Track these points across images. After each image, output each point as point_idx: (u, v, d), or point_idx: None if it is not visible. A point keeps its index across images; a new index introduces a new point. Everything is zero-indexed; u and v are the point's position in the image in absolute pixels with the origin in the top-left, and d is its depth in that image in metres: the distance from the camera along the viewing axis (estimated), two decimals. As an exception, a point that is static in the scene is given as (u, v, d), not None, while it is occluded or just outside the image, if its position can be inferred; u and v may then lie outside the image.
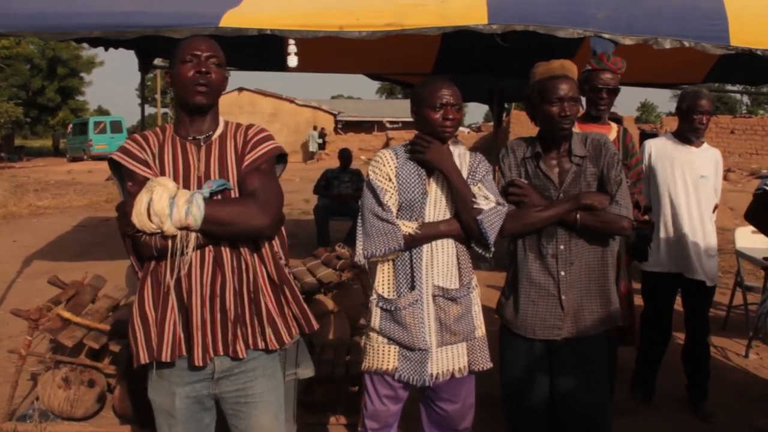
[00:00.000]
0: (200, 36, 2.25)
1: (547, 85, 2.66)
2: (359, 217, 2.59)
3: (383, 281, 2.58)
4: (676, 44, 3.79)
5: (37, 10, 4.11)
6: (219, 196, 2.10)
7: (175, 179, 2.11)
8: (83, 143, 30.86)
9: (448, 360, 2.56)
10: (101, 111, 62.82)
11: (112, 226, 11.15)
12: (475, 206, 2.49)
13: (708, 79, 7.30)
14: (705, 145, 4.03)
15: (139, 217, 1.97)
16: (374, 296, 2.60)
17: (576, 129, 3.20)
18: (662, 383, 4.26)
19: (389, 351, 2.57)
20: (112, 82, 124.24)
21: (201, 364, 2.11)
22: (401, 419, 2.75)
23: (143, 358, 2.12)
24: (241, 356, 2.15)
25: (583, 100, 3.44)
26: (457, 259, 2.58)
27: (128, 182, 2.10)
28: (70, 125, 34.36)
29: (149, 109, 47.96)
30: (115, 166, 2.17)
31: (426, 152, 2.52)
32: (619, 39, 3.77)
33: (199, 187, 2.09)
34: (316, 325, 2.34)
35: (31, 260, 7.97)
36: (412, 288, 2.53)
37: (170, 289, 2.09)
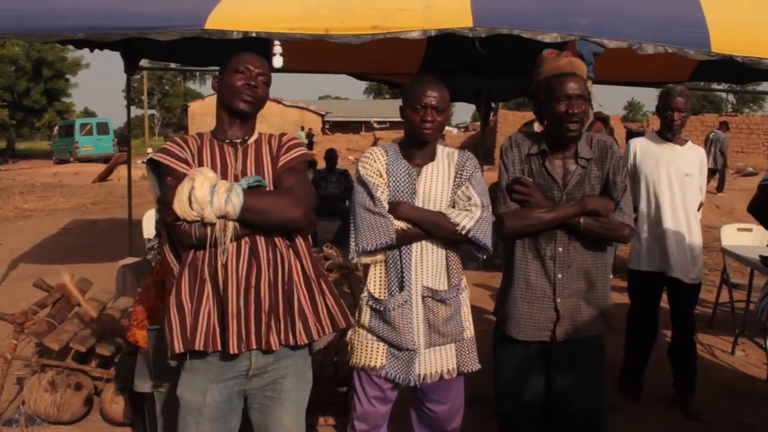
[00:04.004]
0: (254, 54, 2.36)
1: (554, 83, 2.63)
2: (351, 218, 2.57)
3: (375, 280, 2.58)
4: (659, 49, 3.81)
5: (20, 12, 4.07)
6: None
7: None
8: (69, 145, 30.61)
9: (436, 361, 2.56)
10: (87, 113, 62.54)
11: (98, 229, 11.11)
12: (456, 227, 2.46)
13: (693, 77, 7.34)
14: (689, 143, 4.06)
15: (180, 204, 2.04)
16: (365, 293, 2.60)
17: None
18: (650, 381, 4.29)
19: (377, 348, 2.57)
20: (98, 84, 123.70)
21: (236, 352, 2.15)
22: (391, 420, 2.75)
23: (177, 347, 2.14)
24: (274, 348, 2.20)
25: None
26: (446, 260, 2.57)
27: (168, 177, 2.17)
28: (56, 127, 34.09)
29: (135, 111, 47.75)
30: (154, 167, 2.26)
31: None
32: (604, 42, 3.78)
33: None
34: (351, 320, 2.41)
35: (17, 263, 7.91)
36: (402, 288, 2.52)
37: (206, 279, 2.14)
